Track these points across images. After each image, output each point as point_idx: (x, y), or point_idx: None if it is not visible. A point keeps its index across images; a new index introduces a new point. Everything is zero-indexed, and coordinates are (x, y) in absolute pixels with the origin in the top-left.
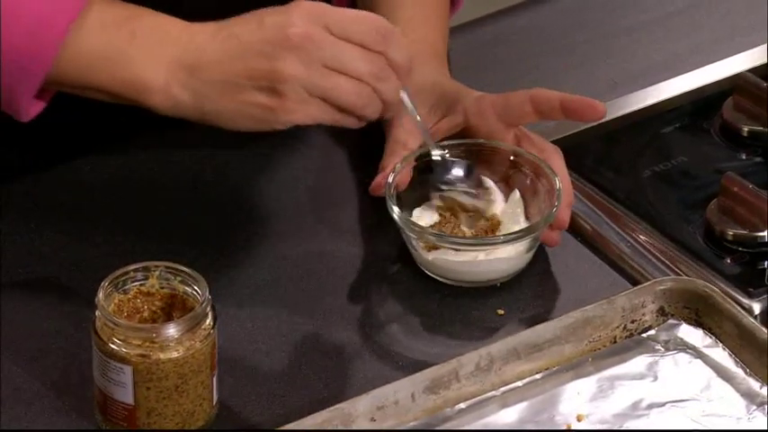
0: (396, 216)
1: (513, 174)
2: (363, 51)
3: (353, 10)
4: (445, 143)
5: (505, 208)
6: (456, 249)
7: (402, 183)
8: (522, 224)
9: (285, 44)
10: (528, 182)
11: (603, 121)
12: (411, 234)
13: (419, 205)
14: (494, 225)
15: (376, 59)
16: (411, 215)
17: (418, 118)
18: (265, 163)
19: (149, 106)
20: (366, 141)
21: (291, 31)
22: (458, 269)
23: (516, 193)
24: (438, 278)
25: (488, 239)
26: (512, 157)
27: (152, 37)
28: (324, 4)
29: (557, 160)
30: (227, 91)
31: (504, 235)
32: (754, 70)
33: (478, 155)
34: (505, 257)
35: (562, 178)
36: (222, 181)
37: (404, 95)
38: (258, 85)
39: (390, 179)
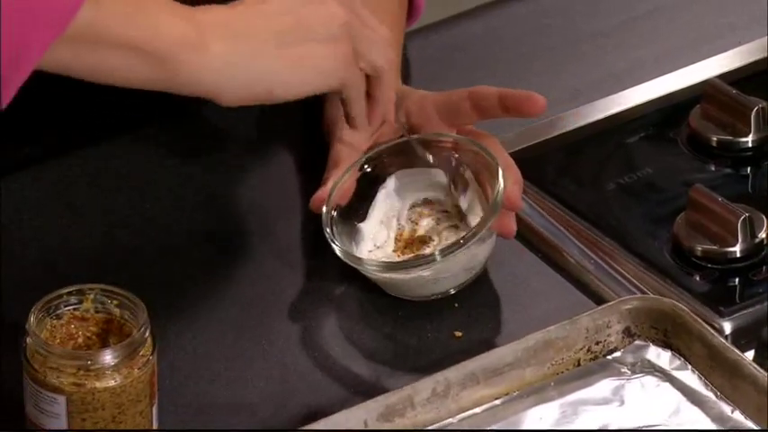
0: (337, 249)
1: (457, 167)
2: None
3: None
4: (383, 145)
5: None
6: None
7: (343, 198)
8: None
9: None
10: (471, 172)
11: (565, 131)
12: (356, 266)
13: (366, 217)
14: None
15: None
16: (358, 229)
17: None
18: (205, 181)
19: (183, 71)
20: (310, 152)
21: None
22: (411, 285)
23: (466, 198)
24: (395, 295)
25: (436, 254)
26: (452, 148)
27: (184, 4)
28: None
29: (494, 145)
30: (284, 44)
31: (440, 250)
32: (722, 76)
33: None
34: (463, 265)
35: (503, 159)
36: (159, 199)
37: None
38: (322, 34)
39: (326, 206)
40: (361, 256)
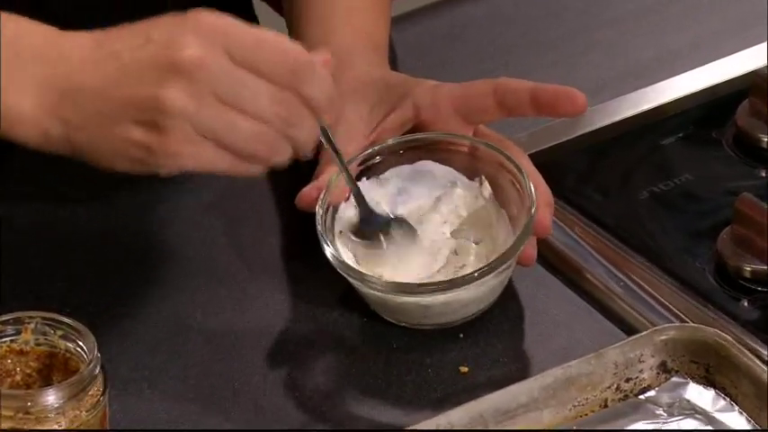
0: (329, 255)
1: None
2: (271, 87)
3: (263, 32)
4: (386, 143)
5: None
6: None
7: (338, 200)
8: (500, 245)
9: (172, 69)
10: (491, 180)
11: (588, 131)
12: (354, 281)
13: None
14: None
15: (286, 99)
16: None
17: (340, 160)
18: (167, 187)
19: (17, 139)
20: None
21: (182, 53)
22: (413, 312)
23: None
24: (391, 320)
25: (455, 281)
26: (469, 153)
27: (17, 52)
28: (228, 20)
29: (521, 157)
30: (103, 124)
31: (475, 272)
32: None
33: (424, 151)
34: (479, 294)
35: (532, 175)
36: (112, 212)
37: (322, 137)
38: (137, 118)
39: (320, 204)
40: (359, 268)
